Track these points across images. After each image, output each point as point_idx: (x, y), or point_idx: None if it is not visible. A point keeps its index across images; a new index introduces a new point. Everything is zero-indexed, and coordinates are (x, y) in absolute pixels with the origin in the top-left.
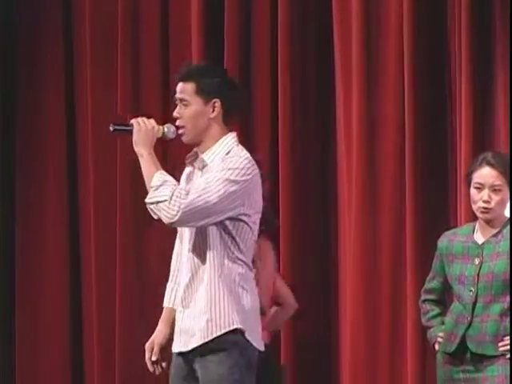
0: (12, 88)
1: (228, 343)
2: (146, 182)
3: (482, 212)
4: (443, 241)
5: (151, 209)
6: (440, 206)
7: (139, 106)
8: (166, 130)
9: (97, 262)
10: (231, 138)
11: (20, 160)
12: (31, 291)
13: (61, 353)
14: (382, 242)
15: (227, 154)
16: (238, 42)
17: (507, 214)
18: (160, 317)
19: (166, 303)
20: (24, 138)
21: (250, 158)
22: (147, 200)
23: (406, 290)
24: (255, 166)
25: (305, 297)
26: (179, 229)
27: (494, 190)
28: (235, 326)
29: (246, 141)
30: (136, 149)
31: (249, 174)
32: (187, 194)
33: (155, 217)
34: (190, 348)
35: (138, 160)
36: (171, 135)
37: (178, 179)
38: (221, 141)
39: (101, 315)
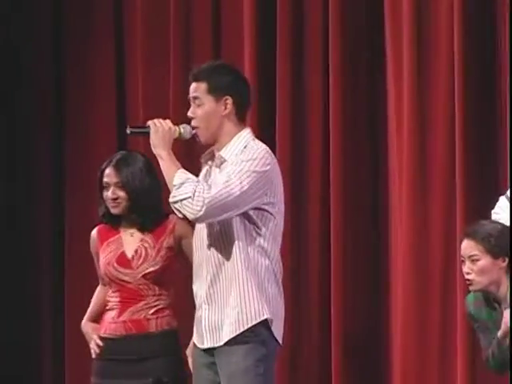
0: (62, 88)
1: (254, 336)
2: (168, 183)
3: (468, 285)
4: (470, 306)
5: (176, 208)
6: (492, 200)
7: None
8: (182, 130)
9: None
10: (246, 134)
11: (70, 165)
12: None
13: None
14: (434, 242)
15: (244, 148)
16: (290, 31)
17: None
18: None
19: None
20: (74, 139)
21: (268, 148)
22: (171, 199)
23: (457, 290)
24: (273, 156)
25: (356, 297)
26: (198, 227)
27: (472, 260)
28: (265, 317)
29: (297, 130)
30: (154, 151)
31: (268, 164)
32: (210, 189)
33: (180, 216)
34: (222, 343)
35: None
36: (187, 135)
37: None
38: (236, 137)
39: None
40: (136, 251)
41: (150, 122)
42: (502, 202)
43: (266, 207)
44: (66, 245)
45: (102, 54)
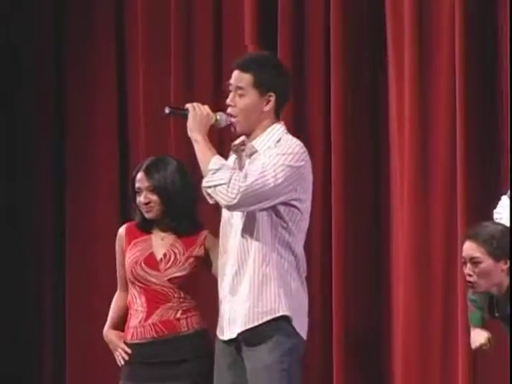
0: (63, 87)
1: (276, 331)
2: (202, 167)
3: (469, 287)
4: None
5: (208, 193)
6: (493, 200)
7: (192, 95)
8: (218, 117)
9: None
10: (280, 127)
11: (71, 165)
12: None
13: None
14: (435, 242)
15: (278, 141)
16: (291, 30)
17: None
18: None
19: None
20: (75, 139)
21: (302, 144)
22: (204, 184)
23: (458, 290)
24: (307, 153)
25: (357, 296)
26: (226, 217)
27: (474, 262)
28: (281, 313)
29: (298, 130)
30: (190, 134)
31: (302, 160)
32: (245, 178)
33: (211, 201)
34: (235, 335)
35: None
36: (223, 123)
37: None
38: (269, 129)
39: None
40: (165, 255)
41: (188, 105)
42: (504, 201)
43: (295, 203)
44: (67, 245)
45: (103, 53)
